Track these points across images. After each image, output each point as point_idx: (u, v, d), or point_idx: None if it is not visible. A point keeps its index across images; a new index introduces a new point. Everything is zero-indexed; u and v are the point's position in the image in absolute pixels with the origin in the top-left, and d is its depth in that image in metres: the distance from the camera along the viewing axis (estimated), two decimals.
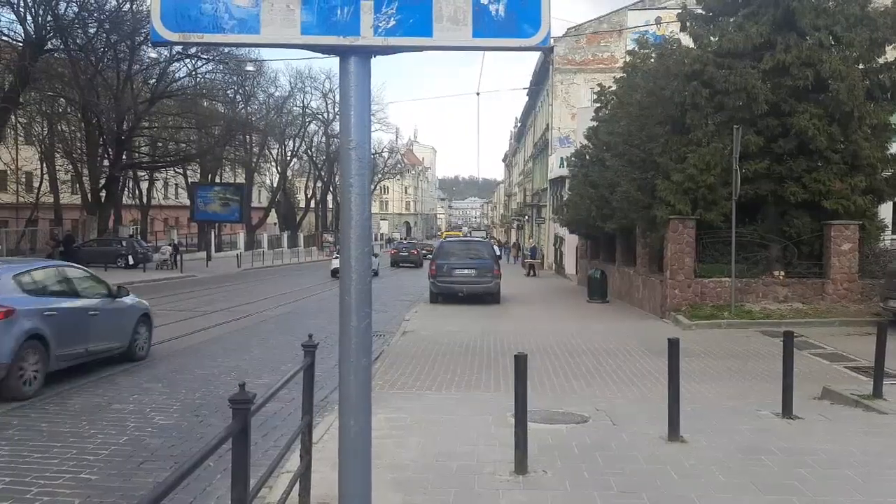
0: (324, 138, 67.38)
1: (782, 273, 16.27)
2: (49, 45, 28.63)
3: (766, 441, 6.52)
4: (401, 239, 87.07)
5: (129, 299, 10.95)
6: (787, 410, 7.43)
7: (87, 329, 9.57)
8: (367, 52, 2.35)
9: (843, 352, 11.78)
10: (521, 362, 5.67)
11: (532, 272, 36.25)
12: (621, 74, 21.90)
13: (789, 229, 16.35)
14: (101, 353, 9.95)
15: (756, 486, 5.34)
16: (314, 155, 68.56)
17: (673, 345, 6.62)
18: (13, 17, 29.34)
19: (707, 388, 9.09)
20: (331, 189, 70.17)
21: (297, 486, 4.61)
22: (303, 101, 65.57)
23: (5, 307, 8.17)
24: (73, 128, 36.60)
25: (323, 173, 68.67)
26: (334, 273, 28.64)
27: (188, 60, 37.81)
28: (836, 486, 5.37)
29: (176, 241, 41.58)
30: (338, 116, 2.45)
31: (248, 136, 52.05)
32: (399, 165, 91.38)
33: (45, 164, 39.85)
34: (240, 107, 50.12)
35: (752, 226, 16.66)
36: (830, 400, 8.35)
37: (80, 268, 10.95)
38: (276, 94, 59.44)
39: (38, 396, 8.35)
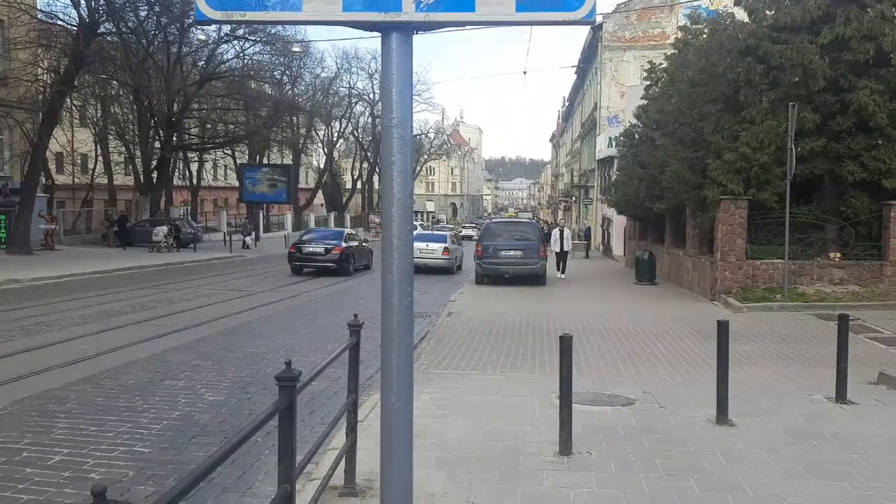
0: (370, 119, 67.55)
1: (838, 255, 15.81)
2: (102, 29, 29.19)
3: (819, 426, 6.37)
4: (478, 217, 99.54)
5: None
6: (841, 395, 7.25)
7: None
8: (409, 29, 2.32)
9: None
10: (566, 343, 5.63)
11: (584, 253, 35.94)
12: (672, 51, 21.42)
13: (846, 209, 15.85)
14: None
15: (807, 471, 5.23)
16: (360, 136, 68.86)
17: (722, 327, 6.50)
18: (68, 0, 30.13)
19: (757, 372, 8.91)
20: (377, 170, 70.43)
21: (342, 463, 4.67)
22: (349, 82, 65.82)
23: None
24: (125, 110, 37.47)
25: (369, 154, 68.92)
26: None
27: (236, 42, 38.27)
28: (891, 472, 5.22)
29: (175, 221, 36.09)
30: None
31: (294, 118, 52.53)
32: (445, 146, 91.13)
33: (99, 146, 40.97)
34: (287, 88, 50.58)
35: (807, 206, 16.19)
36: (887, 385, 8.10)
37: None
38: (323, 74, 59.78)
39: (94, 372, 8.64)
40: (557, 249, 23.34)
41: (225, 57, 39.74)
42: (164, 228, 32.46)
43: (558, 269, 23.17)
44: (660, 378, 8.59)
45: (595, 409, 6.83)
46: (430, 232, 32.38)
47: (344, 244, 23.76)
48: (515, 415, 6.66)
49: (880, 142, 15.36)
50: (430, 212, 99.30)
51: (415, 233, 32.72)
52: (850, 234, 15.93)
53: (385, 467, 2.46)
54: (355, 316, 4.90)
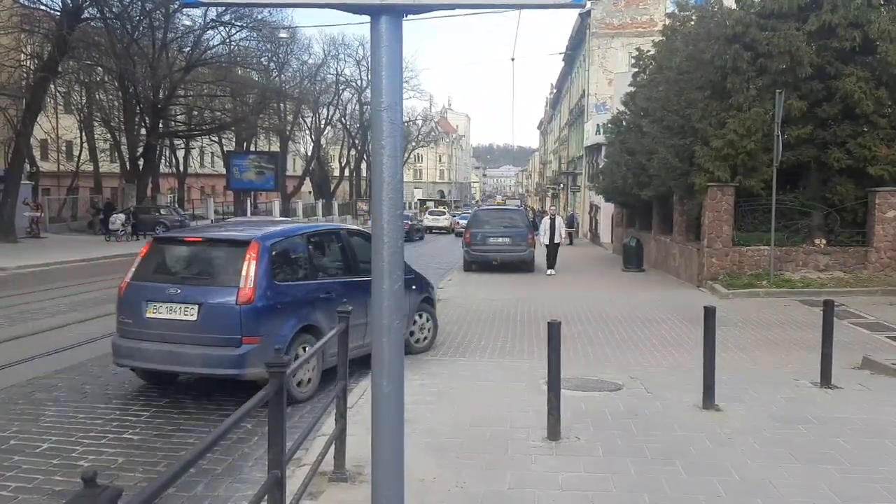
0: (357, 106, 67.00)
1: (823, 241, 15.92)
2: (85, 14, 28.84)
3: (804, 410, 6.44)
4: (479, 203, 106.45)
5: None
6: (825, 380, 7.33)
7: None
8: (399, 12, 2.31)
9: (885, 321, 11.52)
10: (554, 329, 5.65)
11: (569, 240, 35.95)
12: (660, 38, 21.40)
13: (832, 196, 15.95)
14: None
15: (792, 454, 5.29)
16: (348, 123, 68.37)
17: (709, 313, 6.54)
18: None
19: (743, 357, 8.99)
20: (364, 157, 70.10)
21: (332, 449, 4.68)
22: (336, 69, 65.19)
23: None
24: (110, 97, 37.05)
25: (357, 141, 68.46)
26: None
27: (222, 28, 37.89)
28: (874, 455, 5.29)
29: (132, 208, 33.78)
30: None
31: (281, 104, 52.12)
32: (433, 133, 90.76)
33: (84, 133, 40.49)
34: (273, 75, 50.16)
35: (792, 193, 16.28)
36: (870, 369, 8.20)
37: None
38: (310, 61, 59.22)
39: (82, 360, 8.59)
40: (547, 241, 20.21)
41: (211, 43, 39.33)
42: (122, 216, 31.25)
43: (547, 264, 19.98)
44: (647, 364, 8.65)
45: (583, 395, 6.87)
46: (465, 213, 44.96)
47: (409, 223, 36.45)
48: (504, 401, 6.69)
49: (866, 129, 15.45)
50: (422, 199, 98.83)
51: (457, 213, 42.54)
52: (835, 220, 16.03)
53: (376, 449, 2.47)
54: (344, 302, 4.90)
